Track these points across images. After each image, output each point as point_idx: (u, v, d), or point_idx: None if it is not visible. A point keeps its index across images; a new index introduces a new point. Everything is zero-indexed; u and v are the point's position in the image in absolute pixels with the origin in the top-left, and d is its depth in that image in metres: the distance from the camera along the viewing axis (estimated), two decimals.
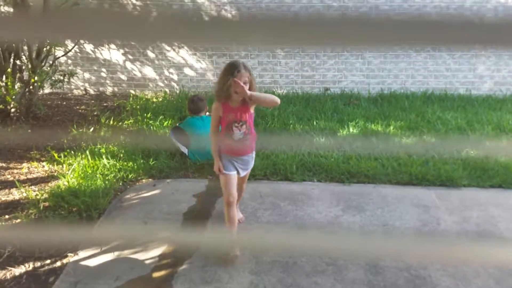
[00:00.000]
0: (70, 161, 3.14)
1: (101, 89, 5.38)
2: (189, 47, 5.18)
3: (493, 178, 2.98)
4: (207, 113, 3.42)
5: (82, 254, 2.14)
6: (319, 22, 0.50)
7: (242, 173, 2.18)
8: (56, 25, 0.51)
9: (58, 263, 2.08)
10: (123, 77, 5.34)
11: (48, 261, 2.10)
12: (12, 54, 3.77)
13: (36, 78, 3.71)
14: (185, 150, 3.27)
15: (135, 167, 3.12)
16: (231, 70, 1.91)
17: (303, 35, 0.50)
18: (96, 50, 5.22)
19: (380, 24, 0.50)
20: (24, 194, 2.71)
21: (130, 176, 3.03)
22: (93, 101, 4.95)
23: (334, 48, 5.00)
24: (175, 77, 5.32)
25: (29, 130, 3.73)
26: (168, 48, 5.20)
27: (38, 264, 2.08)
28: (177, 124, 3.50)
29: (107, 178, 2.89)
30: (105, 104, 4.89)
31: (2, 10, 3.91)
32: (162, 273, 2.00)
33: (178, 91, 5.22)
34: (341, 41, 0.53)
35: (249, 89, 1.92)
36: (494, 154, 3.23)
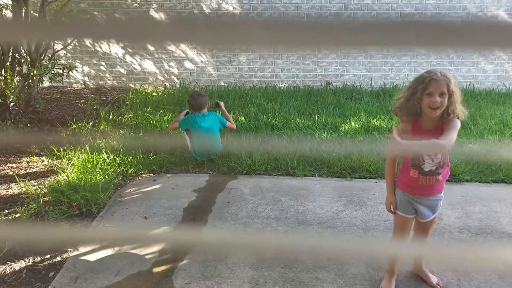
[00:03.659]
0: (70, 156, 3.13)
1: (100, 83, 5.35)
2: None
3: (496, 173, 2.96)
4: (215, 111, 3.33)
5: (82, 249, 2.13)
6: (325, 24, 0.48)
7: (424, 218, 1.73)
8: (54, 28, 0.49)
9: (58, 258, 2.07)
10: (123, 70, 5.30)
11: (48, 256, 2.09)
12: (11, 48, 3.73)
13: (35, 71, 3.68)
14: (189, 145, 3.24)
15: (135, 161, 3.10)
16: (422, 78, 1.54)
17: (307, 36, 0.49)
18: (95, 43, 5.17)
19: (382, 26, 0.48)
20: (24, 189, 2.69)
21: (130, 170, 3.02)
22: (92, 95, 4.92)
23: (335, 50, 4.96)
24: (175, 70, 5.27)
25: (28, 124, 3.71)
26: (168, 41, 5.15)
27: (38, 259, 2.07)
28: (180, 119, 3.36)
29: (107, 172, 2.88)
30: (104, 98, 4.86)
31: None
32: (162, 268, 1.99)
33: (178, 85, 5.19)
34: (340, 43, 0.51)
35: (450, 104, 1.53)
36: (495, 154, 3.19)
